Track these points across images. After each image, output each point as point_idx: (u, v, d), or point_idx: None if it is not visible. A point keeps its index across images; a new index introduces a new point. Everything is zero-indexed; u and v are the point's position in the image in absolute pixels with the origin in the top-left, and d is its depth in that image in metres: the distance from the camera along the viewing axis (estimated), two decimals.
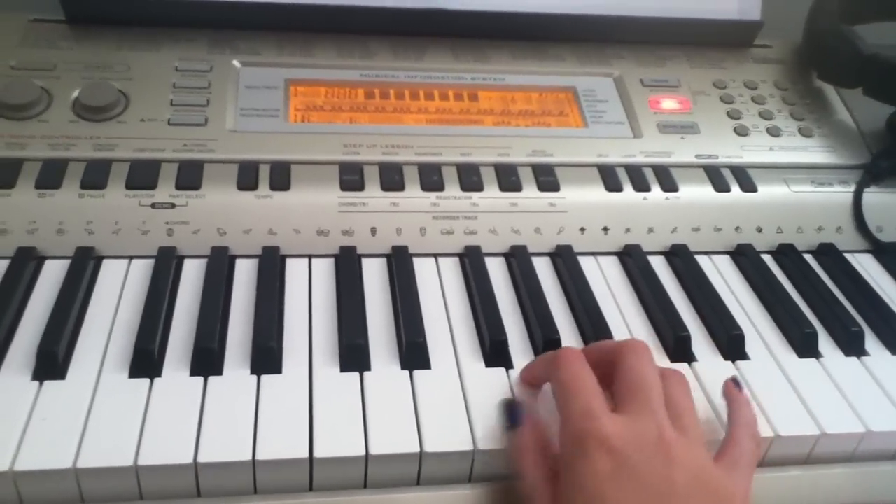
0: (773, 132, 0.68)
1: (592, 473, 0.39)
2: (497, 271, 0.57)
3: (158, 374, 0.46)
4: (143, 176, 0.56)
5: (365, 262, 0.57)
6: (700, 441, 0.41)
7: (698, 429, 0.42)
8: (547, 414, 0.46)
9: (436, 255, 0.58)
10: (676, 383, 0.44)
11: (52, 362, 0.45)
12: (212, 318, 0.49)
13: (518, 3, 0.72)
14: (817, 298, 0.58)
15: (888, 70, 0.67)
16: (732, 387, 0.47)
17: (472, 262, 0.57)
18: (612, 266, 0.59)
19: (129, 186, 0.56)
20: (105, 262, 0.54)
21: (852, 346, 0.54)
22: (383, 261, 0.57)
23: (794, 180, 0.65)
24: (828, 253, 0.63)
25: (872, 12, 0.78)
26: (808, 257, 0.62)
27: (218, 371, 0.47)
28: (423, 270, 0.57)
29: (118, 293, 0.52)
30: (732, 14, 0.75)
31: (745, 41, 0.76)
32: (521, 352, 0.51)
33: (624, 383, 0.43)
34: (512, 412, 0.45)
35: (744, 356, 0.52)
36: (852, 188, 0.65)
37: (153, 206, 0.55)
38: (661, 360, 0.51)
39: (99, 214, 0.54)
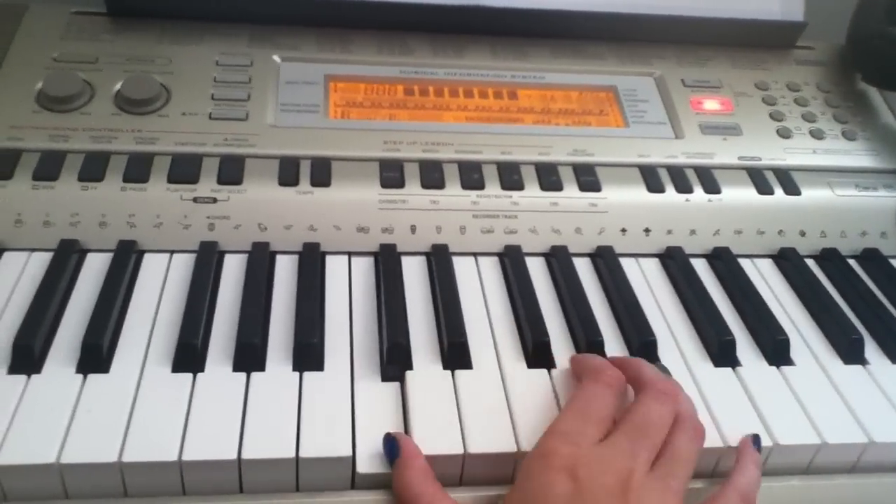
0: (817, 135, 0.67)
1: (546, 492, 0.38)
2: (537, 271, 0.57)
3: (202, 369, 0.46)
4: (184, 170, 0.56)
5: (405, 259, 0.56)
6: (679, 493, 0.40)
7: (685, 480, 0.41)
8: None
9: (475, 254, 0.58)
10: (688, 435, 0.43)
11: (96, 355, 0.45)
12: (254, 314, 0.49)
13: (558, 1, 0.71)
14: (862, 304, 0.57)
15: None
16: (749, 443, 0.45)
17: (512, 262, 0.56)
18: (653, 268, 0.59)
19: (170, 180, 0.56)
20: (147, 255, 0.54)
21: None
22: (423, 259, 0.57)
23: (837, 184, 0.64)
24: (872, 258, 0.62)
25: None
26: (852, 262, 0.61)
27: (261, 367, 0.46)
28: (463, 269, 0.56)
29: (160, 287, 0.52)
30: (775, 14, 0.74)
31: (787, 42, 0.75)
32: (562, 353, 0.51)
33: (629, 416, 0.42)
34: (387, 444, 0.43)
35: (789, 362, 0.52)
36: None
37: (195, 200, 0.55)
38: (705, 365, 0.51)
39: (141, 208, 0.54)
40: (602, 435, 0.41)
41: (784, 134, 0.67)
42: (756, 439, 0.45)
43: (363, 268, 0.55)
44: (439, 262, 0.55)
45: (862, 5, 0.75)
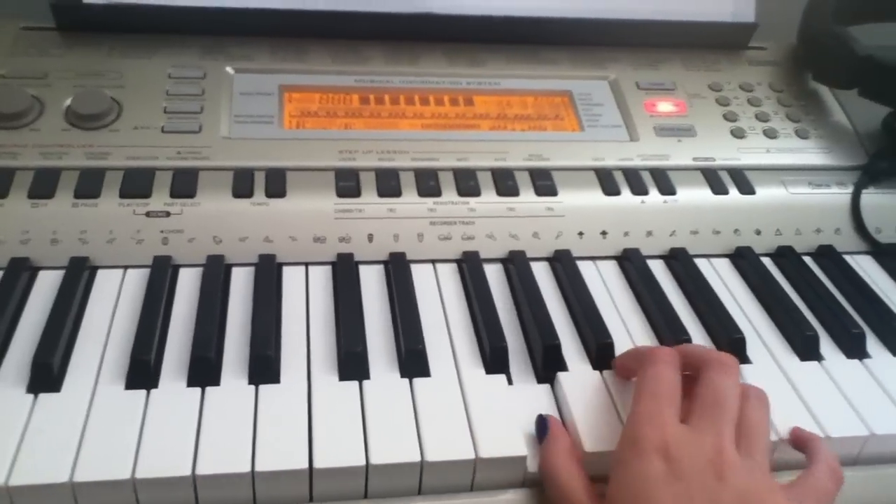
0: (770, 134, 0.68)
1: (644, 475, 0.39)
2: (495, 277, 0.57)
3: (155, 385, 0.45)
4: (137, 184, 0.56)
5: (362, 268, 0.56)
6: (765, 466, 0.41)
7: (767, 453, 0.42)
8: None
9: (433, 261, 0.58)
10: (756, 403, 0.44)
11: (47, 374, 0.45)
12: (208, 328, 0.48)
13: (511, 6, 0.71)
14: (817, 301, 0.57)
15: (884, 71, 0.66)
16: (801, 428, 0.47)
17: (470, 268, 0.56)
18: (611, 270, 0.59)
19: (122, 195, 0.55)
20: (100, 271, 0.53)
21: (854, 348, 0.54)
22: (381, 267, 0.57)
23: (791, 182, 0.65)
24: (827, 255, 0.62)
25: (867, 13, 0.78)
26: (808, 259, 0.62)
27: (215, 381, 0.46)
28: (421, 276, 0.56)
29: (113, 303, 0.51)
30: (727, 16, 0.75)
31: (739, 43, 0.76)
32: (519, 358, 0.51)
33: (701, 396, 0.43)
34: (539, 424, 0.45)
35: (745, 360, 0.52)
36: (850, 189, 0.65)
37: (148, 214, 0.55)
38: None
39: (93, 224, 0.54)
40: (678, 413, 0.42)
41: (738, 134, 0.68)
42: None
43: (320, 278, 0.55)
44: (396, 270, 0.55)
45: (811, 5, 0.76)
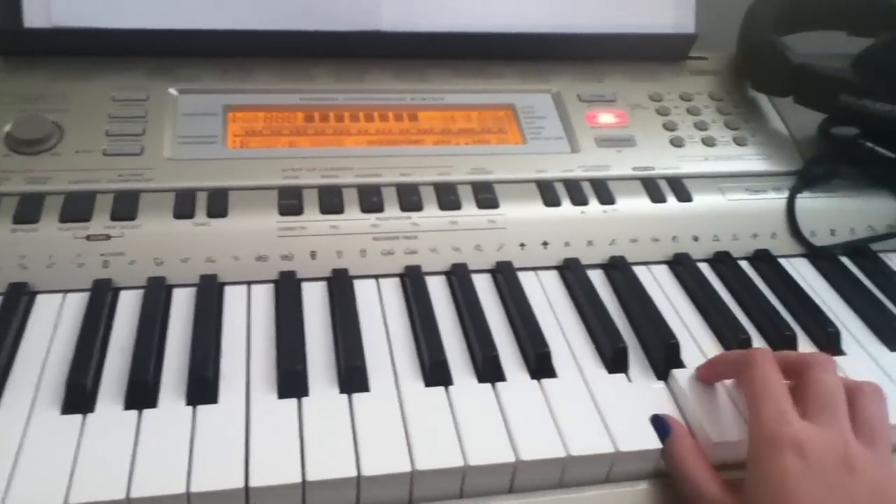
0: (708, 142, 0.70)
1: (782, 472, 0.41)
2: (438, 290, 0.58)
3: (91, 410, 0.46)
4: (77, 208, 0.56)
5: (305, 286, 0.57)
6: (888, 458, 0.43)
7: (888, 444, 0.43)
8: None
9: (377, 276, 0.58)
10: (872, 396, 0.45)
11: None
12: (146, 351, 0.49)
13: (457, 22, 0.73)
14: (752, 304, 0.59)
15: (816, 79, 0.68)
16: None
17: (412, 282, 0.57)
18: (552, 280, 0.60)
19: (62, 220, 0.55)
20: (39, 297, 0.53)
21: (787, 349, 0.55)
22: (324, 284, 0.57)
23: (728, 189, 0.66)
24: (763, 258, 0.64)
25: (804, 22, 0.80)
26: (745, 264, 0.63)
27: (152, 404, 0.46)
28: (364, 292, 0.57)
29: (52, 328, 0.51)
30: (667, 28, 0.77)
31: (680, 54, 0.78)
32: (461, 370, 0.51)
33: (811, 395, 0.44)
34: (659, 423, 0.47)
35: (680, 364, 0.53)
36: (786, 195, 0.67)
37: (88, 238, 0.55)
38: (600, 373, 0.52)
39: (32, 249, 0.54)
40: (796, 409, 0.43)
41: (677, 143, 0.69)
42: None
43: (263, 297, 0.55)
44: (338, 285, 0.56)
45: (749, 15, 0.78)
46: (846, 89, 0.66)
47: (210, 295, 0.54)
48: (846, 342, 0.57)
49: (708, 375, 0.50)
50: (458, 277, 0.58)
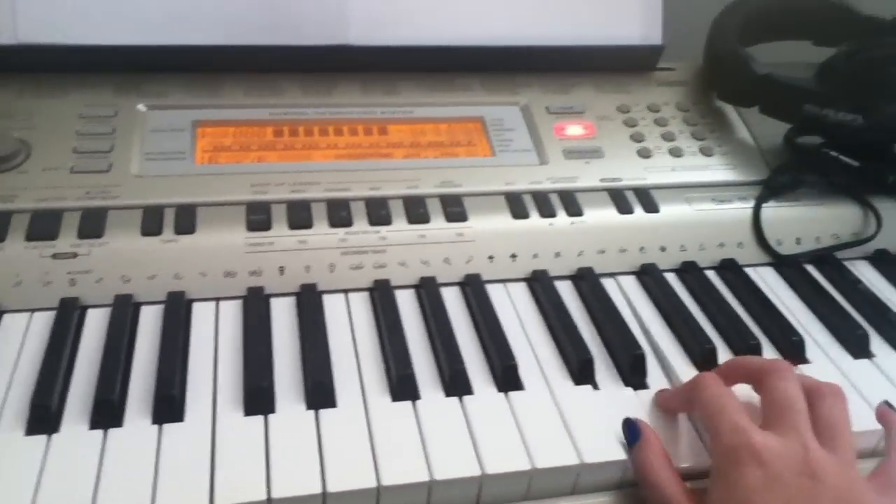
0: (675, 153, 0.70)
1: (743, 485, 0.41)
2: (407, 304, 0.58)
3: (56, 430, 0.45)
4: (43, 226, 0.56)
5: (274, 301, 0.57)
6: (851, 461, 0.43)
7: (852, 448, 0.43)
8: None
9: (346, 291, 0.58)
10: (833, 398, 0.45)
11: None
12: (112, 369, 0.49)
13: (425, 36, 0.73)
14: (717, 313, 0.59)
15: (780, 89, 0.69)
16: (888, 411, 0.49)
17: (381, 296, 0.57)
18: (520, 292, 0.60)
19: (29, 238, 0.55)
20: (5, 316, 0.53)
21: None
22: (293, 299, 0.57)
23: (695, 199, 0.67)
24: (729, 268, 0.64)
25: (767, 33, 0.81)
26: (711, 273, 0.64)
27: (118, 423, 0.46)
28: (333, 307, 0.57)
29: (18, 348, 0.51)
30: (635, 39, 0.78)
31: (648, 65, 0.79)
32: (429, 384, 0.52)
33: (770, 402, 0.45)
34: (630, 427, 0.48)
35: (643, 379, 0.53)
36: (752, 204, 0.68)
37: (54, 256, 0.55)
38: (567, 384, 0.52)
39: None
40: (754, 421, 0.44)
41: (644, 154, 0.70)
42: (889, 404, 0.50)
43: (231, 313, 0.55)
44: (306, 301, 0.56)
45: (715, 26, 0.79)
46: (810, 99, 0.67)
47: (177, 312, 0.54)
48: (810, 350, 0.58)
49: (664, 406, 0.51)
50: (427, 291, 0.58)
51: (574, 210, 0.64)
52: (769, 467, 0.41)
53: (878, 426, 0.50)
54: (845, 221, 0.69)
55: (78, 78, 0.67)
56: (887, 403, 0.50)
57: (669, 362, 0.55)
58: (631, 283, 0.62)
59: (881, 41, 0.67)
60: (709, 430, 0.45)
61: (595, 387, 0.53)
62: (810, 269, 0.66)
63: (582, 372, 0.53)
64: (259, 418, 0.47)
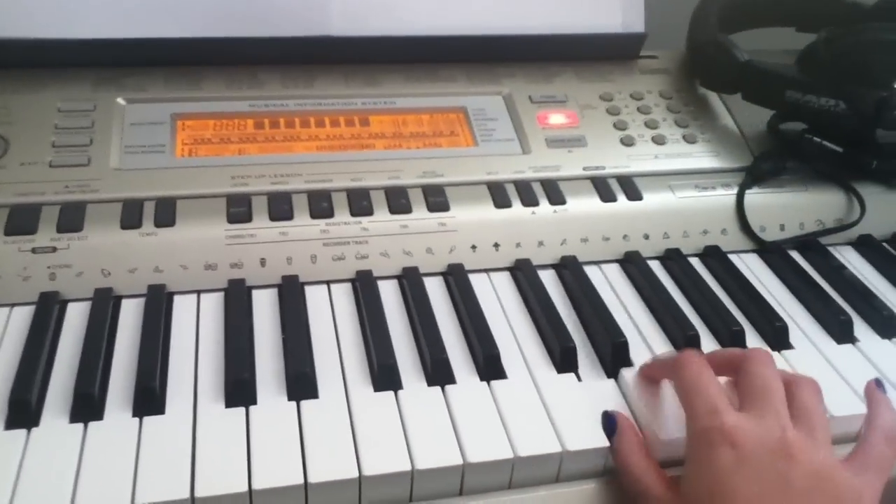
0: (659, 140, 0.70)
1: (716, 466, 0.41)
2: (390, 294, 0.58)
3: (36, 424, 0.45)
4: (22, 221, 0.55)
5: (255, 293, 0.57)
6: (826, 443, 0.43)
7: (826, 431, 0.44)
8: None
9: (328, 282, 0.58)
10: (806, 387, 0.46)
11: None
12: (92, 363, 0.48)
13: (409, 26, 0.73)
14: (701, 300, 0.59)
15: (762, 75, 0.69)
16: (874, 387, 0.49)
17: (363, 287, 0.57)
18: (504, 282, 0.60)
19: (7, 233, 0.55)
20: None
21: (735, 344, 0.56)
22: (274, 291, 0.57)
23: (678, 186, 0.67)
24: (713, 255, 0.65)
25: (749, 20, 0.81)
26: (695, 260, 0.64)
27: (98, 416, 0.46)
28: (315, 298, 0.57)
29: None
30: (617, 28, 0.78)
31: (630, 53, 0.79)
32: (412, 373, 0.51)
33: (747, 387, 0.45)
34: (607, 419, 0.48)
35: (629, 363, 0.53)
36: (735, 191, 0.68)
37: (33, 251, 0.54)
38: (549, 373, 0.52)
39: None
40: (731, 403, 0.44)
41: (627, 142, 0.70)
42: (879, 382, 0.50)
43: (212, 305, 0.55)
44: (288, 292, 0.56)
45: (697, 14, 0.79)
46: (791, 85, 0.67)
47: (158, 305, 0.53)
48: (794, 336, 0.58)
49: (647, 378, 0.51)
50: (410, 281, 0.58)
51: (557, 199, 0.64)
52: (741, 448, 0.41)
53: (861, 411, 0.50)
54: (829, 207, 0.69)
55: (56, 72, 0.66)
56: (878, 382, 0.50)
57: (653, 350, 0.55)
58: (614, 271, 0.62)
59: (861, 26, 0.67)
60: (685, 410, 0.45)
61: (578, 375, 0.53)
62: (794, 255, 0.66)
63: (564, 360, 0.53)
64: (240, 410, 0.47)
